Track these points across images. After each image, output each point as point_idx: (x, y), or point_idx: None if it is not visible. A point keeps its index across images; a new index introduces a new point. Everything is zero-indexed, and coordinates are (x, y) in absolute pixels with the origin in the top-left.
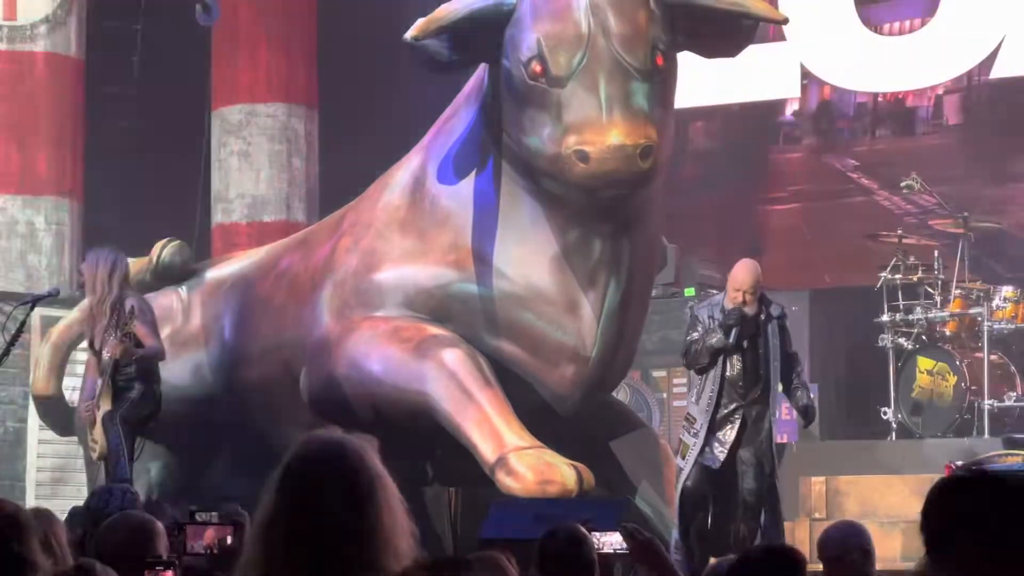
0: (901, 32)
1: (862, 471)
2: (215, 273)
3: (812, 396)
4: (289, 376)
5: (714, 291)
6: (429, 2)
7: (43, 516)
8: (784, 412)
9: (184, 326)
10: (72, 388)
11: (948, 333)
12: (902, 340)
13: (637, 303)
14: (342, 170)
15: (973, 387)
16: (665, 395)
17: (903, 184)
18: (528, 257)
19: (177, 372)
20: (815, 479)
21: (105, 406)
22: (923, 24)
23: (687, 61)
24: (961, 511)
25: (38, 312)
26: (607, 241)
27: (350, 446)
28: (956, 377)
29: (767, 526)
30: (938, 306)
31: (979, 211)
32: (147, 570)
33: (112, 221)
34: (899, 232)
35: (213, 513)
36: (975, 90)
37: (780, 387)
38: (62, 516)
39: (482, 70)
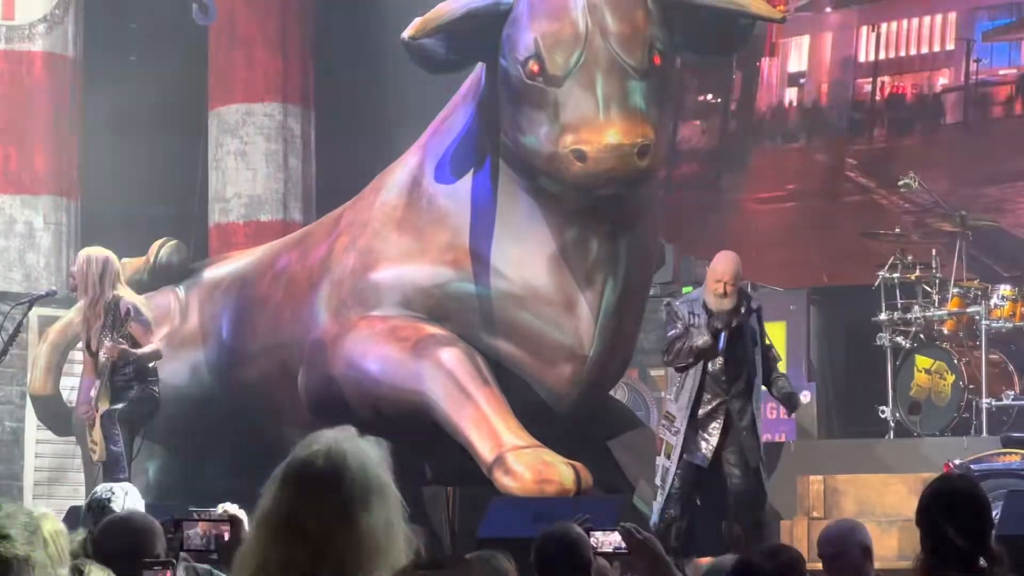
0: (900, 30)
1: (860, 470)
2: (212, 273)
3: (792, 384)
4: (287, 375)
5: None
6: (426, 1)
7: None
8: (782, 412)
9: (182, 326)
10: (70, 388)
11: (946, 332)
12: (900, 339)
13: (635, 302)
14: (338, 170)
15: (971, 386)
16: (663, 394)
17: (901, 183)
18: (525, 256)
19: (174, 372)
20: (813, 478)
21: (103, 407)
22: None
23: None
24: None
25: (36, 312)
26: (604, 240)
27: (353, 448)
28: (954, 376)
29: (753, 522)
30: (936, 305)
31: (977, 210)
32: (145, 570)
33: (110, 220)
34: (897, 231)
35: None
36: (973, 88)
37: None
38: (60, 516)
39: (479, 69)
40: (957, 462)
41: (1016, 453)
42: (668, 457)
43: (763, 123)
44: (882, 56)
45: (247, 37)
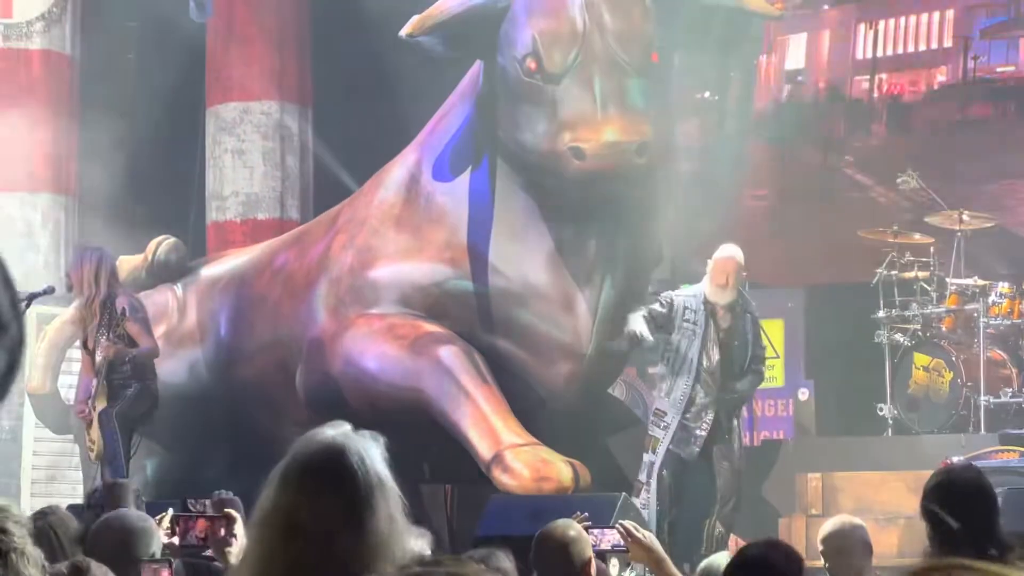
0: (897, 27)
1: (858, 467)
2: (210, 271)
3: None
4: (285, 373)
5: None
6: None
7: (50, 512)
8: (781, 408)
9: (180, 324)
10: (68, 386)
11: (944, 329)
12: (898, 336)
13: (632, 300)
14: (336, 168)
15: (969, 383)
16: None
17: (899, 180)
18: (523, 254)
19: (173, 370)
20: (811, 475)
21: (101, 406)
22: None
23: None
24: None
25: (34, 310)
26: (602, 238)
27: (352, 444)
28: (952, 373)
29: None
30: (934, 302)
31: (975, 207)
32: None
33: (108, 218)
34: (895, 228)
35: (206, 501)
36: (971, 85)
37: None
38: None
39: (477, 67)
40: (955, 459)
41: (1014, 450)
42: (654, 452)
43: (761, 120)
44: (880, 53)
45: (244, 35)
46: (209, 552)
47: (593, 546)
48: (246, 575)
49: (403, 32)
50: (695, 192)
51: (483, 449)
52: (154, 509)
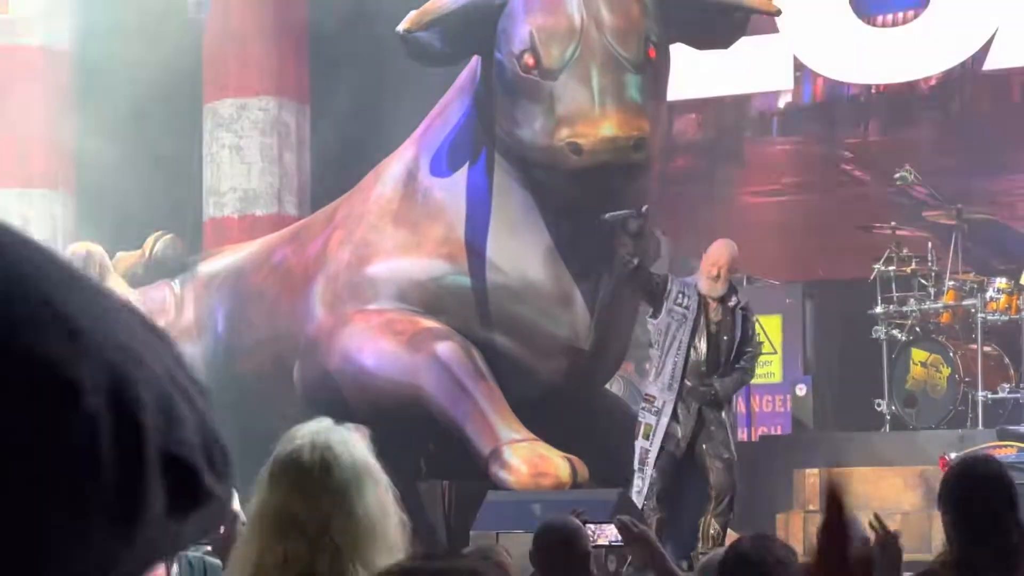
0: (895, 23)
1: (856, 463)
2: (208, 267)
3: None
4: (282, 369)
5: None
6: None
7: None
8: (779, 404)
9: (177, 320)
10: None
11: (942, 325)
12: (896, 332)
13: (630, 295)
14: (333, 164)
15: (967, 379)
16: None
17: (896, 176)
18: (521, 249)
19: None
20: (809, 471)
21: None
22: (916, 16)
23: (680, 53)
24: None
25: None
26: (600, 233)
27: (334, 436)
28: (950, 369)
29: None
30: (932, 298)
31: (972, 202)
32: None
33: (104, 214)
34: (892, 224)
35: None
36: (968, 81)
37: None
38: None
39: (475, 63)
40: (953, 455)
41: (1012, 446)
42: (647, 438)
43: (758, 116)
44: None
45: (241, 31)
46: (208, 548)
47: (591, 541)
48: (240, 573)
49: (400, 28)
50: (693, 188)
51: (481, 445)
52: None
